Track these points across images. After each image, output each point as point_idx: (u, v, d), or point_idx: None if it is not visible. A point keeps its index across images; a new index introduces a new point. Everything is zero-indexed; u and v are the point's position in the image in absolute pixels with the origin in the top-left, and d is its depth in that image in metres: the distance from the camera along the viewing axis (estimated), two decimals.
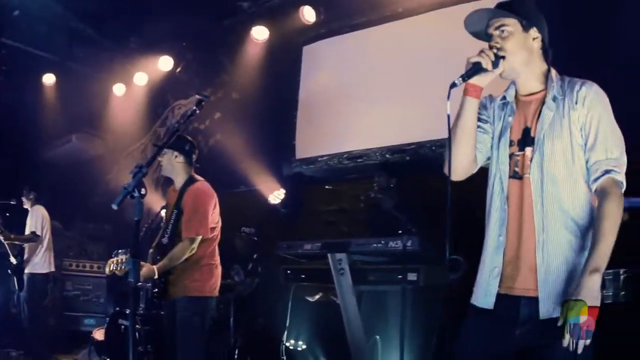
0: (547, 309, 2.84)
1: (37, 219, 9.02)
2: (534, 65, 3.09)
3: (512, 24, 3.02)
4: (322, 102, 8.77)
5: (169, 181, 5.87)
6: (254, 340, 7.81)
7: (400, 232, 5.68)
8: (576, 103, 2.94)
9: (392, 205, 6.66)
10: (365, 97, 8.22)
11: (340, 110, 8.54)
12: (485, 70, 2.94)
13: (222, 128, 9.88)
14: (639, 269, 5.38)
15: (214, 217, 5.58)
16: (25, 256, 8.85)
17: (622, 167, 2.88)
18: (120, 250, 5.86)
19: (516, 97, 3.15)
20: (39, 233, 8.89)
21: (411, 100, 7.50)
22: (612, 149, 2.88)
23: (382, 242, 5.51)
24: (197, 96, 4.25)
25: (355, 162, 8.23)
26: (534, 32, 3.06)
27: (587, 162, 2.92)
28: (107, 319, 7.91)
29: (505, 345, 2.94)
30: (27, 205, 9.19)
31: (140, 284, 7.14)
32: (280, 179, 8.91)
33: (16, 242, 8.83)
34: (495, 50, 2.98)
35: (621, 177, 2.87)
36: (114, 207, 3.62)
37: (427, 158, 7.07)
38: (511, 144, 3.05)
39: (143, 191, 3.65)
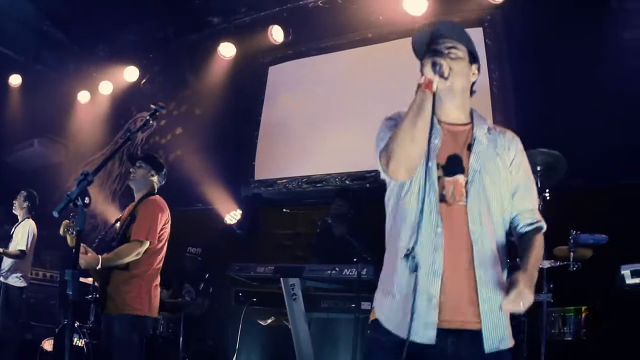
0: (493, 342, 2.79)
1: (28, 235, 8.81)
2: (466, 97, 3.12)
3: (463, 51, 3.05)
4: (285, 124, 8.73)
5: (127, 194, 5.88)
6: None
7: (355, 260, 5.61)
8: (509, 149, 3.06)
9: (345, 231, 6.61)
10: (328, 122, 8.22)
11: (302, 133, 8.50)
12: (442, 72, 2.88)
13: (183, 144, 9.76)
14: (596, 306, 5.40)
15: (164, 232, 5.59)
16: (6, 267, 8.65)
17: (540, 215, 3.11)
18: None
19: (439, 122, 3.05)
20: (27, 250, 8.72)
21: (374, 127, 7.28)
22: (535, 200, 3.13)
23: (337, 269, 5.52)
24: (152, 106, 4.17)
25: (314, 187, 8.19)
26: (474, 68, 3.12)
27: (513, 204, 3.04)
28: (57, 329, 7.75)
29: None
30: (17, 211, 9.01)
31: (89, 296, 7.06)
32: (237, 200, 8.80)
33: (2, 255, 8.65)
34: (448, 62, 2.94)
35: (543, 227, 3.06)
36: (55, 214, 3.50)
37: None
38: (437, 166, 2.94)
39: (87, 200, 3.52)
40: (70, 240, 5.25)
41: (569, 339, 5.37)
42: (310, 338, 5.81)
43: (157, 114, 4.20)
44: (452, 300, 2.80)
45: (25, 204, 9.00)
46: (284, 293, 5.77)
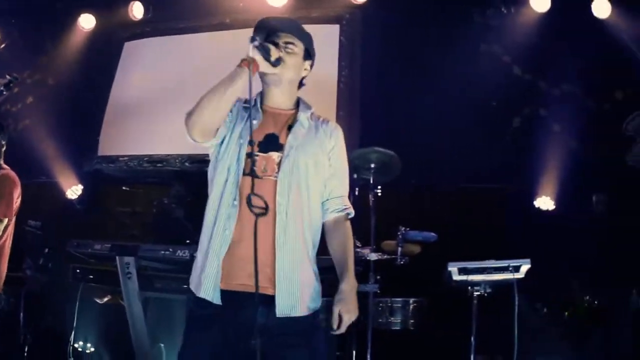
0: (283, 307, 2.98)
1: None
2: (294, 88, 3.32)
3: (299, 47, 3.24)
4: (132, 101, 8.59)
5: None
6: (43, 339, 7.51)
7: (188, 241, 5.68)
8: (330, 137, 3.29)
9: (182, 214, 6.63)
10: (175, 103, 7.95)
11: (148, 111, 8.39)
12: (269, 58, 3.02)
13: (33, 113, 9.37)
14: (424, 298, 5.62)
15: (16, 206, 5.46)
16: None
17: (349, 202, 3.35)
18: None
19: (262, 106, 3.26)
20: None
21: None
22: (346, 187, 3.35)
23: (170, 249, 5.57)
24: (7, 76, 4.10)
25: (154, 166, 8.10)
26: (307, 64, 3.33)
27: (325, 189, 3.25)
28: None
29: (239, 352, 2.96)
30: None
31: None
32: (80, 174, 8.61)
33: None
34: (282, 53, 3.12)
35: (351, 213, 3.33)
36: None
37: None
38: (251, 143, 3.05)
39: None
40: None
41: (397, 328, 5.58)
42: (144, 317, 5.82)
43: (11, 85, 4.11)
44: (247, 265, 2.93)
45: None
46: (119, 271, 5.75)
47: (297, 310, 3.01)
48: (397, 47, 7.25)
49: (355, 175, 5.26)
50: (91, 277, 6.35)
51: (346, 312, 3.04)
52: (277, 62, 3.06)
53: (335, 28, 7.61)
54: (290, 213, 3.03)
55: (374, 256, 5.31)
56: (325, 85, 7.30)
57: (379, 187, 5.36)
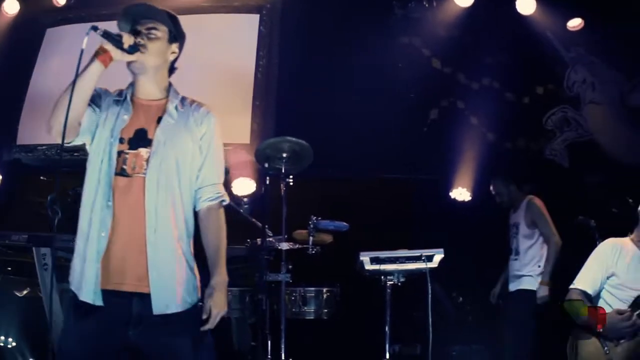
0: (160, 305, 3.00)
1: None
2: (162, 74, 3.29)
3: (162, 31, 3.21)
4: (52, 89, 8.14)
5: None
6: None
7: None
8: (201, 124, 3.26)
9: None
10: None
11: None
12: (121, 46, 2.99)
13: None
14: (337, 288, 5.68)
15: None
16: None
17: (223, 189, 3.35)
18: None
19: (133, 99, 3.23)
20: None
21: None
22: (220, 175, 3.34)
23: None
24: None
25: (71, 156, 7.92)
26: (175, 47, 3.31)
27: (197, 177, 3.25)
28: None
29: (116, 342, 2.99)
30: None
31: None
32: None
33: None
34: (138, 41, 3.07)
35: (225, 200, 3.33)
36: None
37: None
38: (121, 141, 3.09)
39: None
40: None
41: (310, 318, 5.63)
42: (61, 309, 5.76)
43: None
44: (123, 266, 3.00)
45: None
46: (36, 263, 5.71)
47: (173, 307, 3.03)
48: (316, 37, 7.31)
49: (266, 165, 5.29)
50: (9, 269, 6.30)
51: (214, 306, 3.06)
52: (132, 49, 3.04)
53: (255, 17, 7.64)
54: (160, 210, 3.03)
55: (285, 245, 5.32)
56: (242, 75, 7.33)
57: (291, 176, 5.38)
